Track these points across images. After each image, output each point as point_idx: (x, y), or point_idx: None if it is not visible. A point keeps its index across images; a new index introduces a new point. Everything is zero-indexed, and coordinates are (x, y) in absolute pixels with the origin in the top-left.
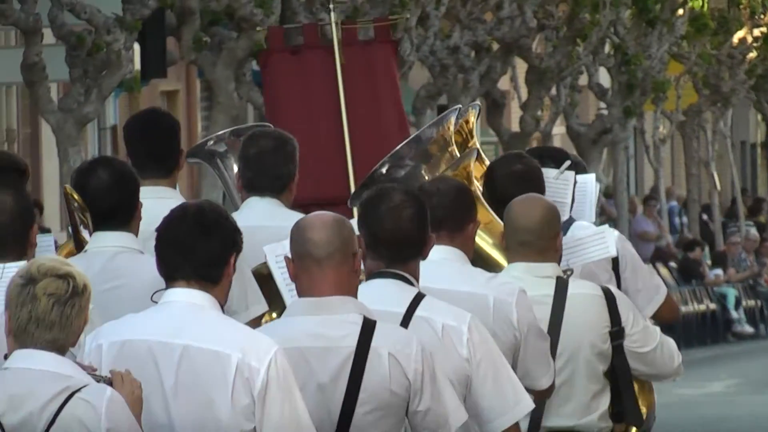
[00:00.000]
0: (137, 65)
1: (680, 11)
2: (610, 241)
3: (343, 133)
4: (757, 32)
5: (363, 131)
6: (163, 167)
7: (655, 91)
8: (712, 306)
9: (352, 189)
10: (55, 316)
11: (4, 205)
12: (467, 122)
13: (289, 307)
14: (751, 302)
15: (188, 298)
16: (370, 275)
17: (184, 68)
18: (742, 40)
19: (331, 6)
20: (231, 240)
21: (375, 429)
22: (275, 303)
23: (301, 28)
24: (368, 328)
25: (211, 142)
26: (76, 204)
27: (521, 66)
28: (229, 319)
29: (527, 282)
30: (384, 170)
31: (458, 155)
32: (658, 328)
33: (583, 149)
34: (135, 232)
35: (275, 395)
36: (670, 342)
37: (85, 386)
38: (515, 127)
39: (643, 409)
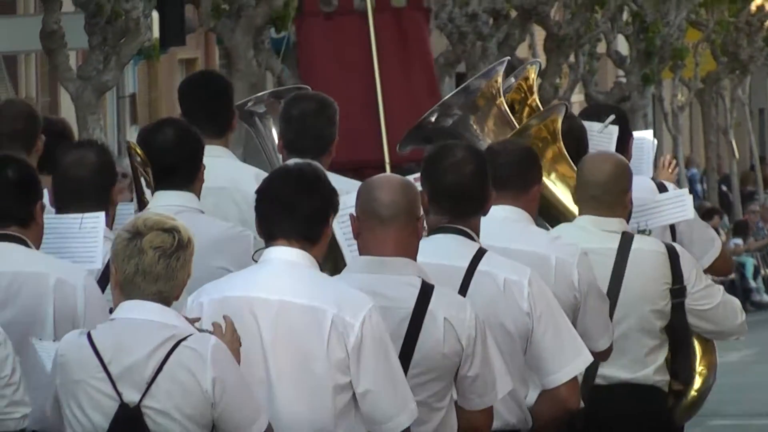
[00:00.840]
0: (156, 33)
1: None
2: (688, 204)
3: (375, 97)
4: None
5: (395, 97)
6: (216, 127)
7: (673, 58)
8: (731, 275)
9: (386, 152)
10: (160, 269)
11: (87, 159)
12: (526, 79)
13: (350, 263)
14: None
15: (287, 256)
16: (433, 230)
17: (202, 36)
18: (760, 7)
19: None
20: (330, 200)
21: (423, 392)
22: (331, 257)
23: None
24: (426, 291)
25: (251, 103)
26: (138, 159)
27: (540, 33)
28: (326, 276)
29: (593, 234)
30: (433, 119)
31: (506, 110)
32: (721, 287)
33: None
34: (197, 192)
35: (369, 350)
36: (734, 300)
37: (190, 335)
38: None
39: (704, 370)
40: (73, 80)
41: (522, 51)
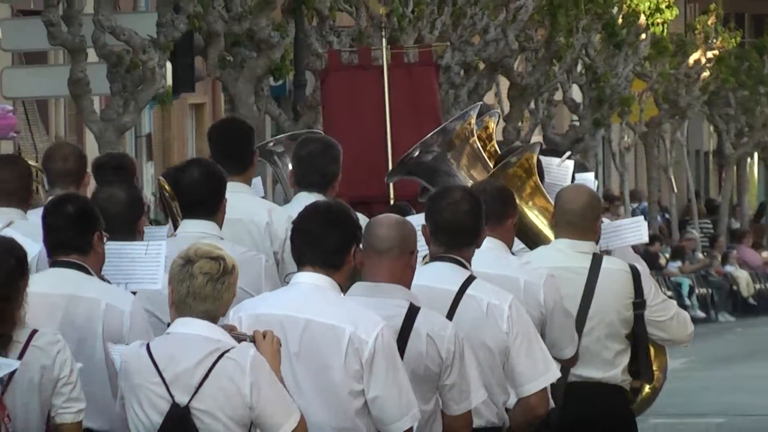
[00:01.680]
0: (169, 81)
1: (643, 36)
2: (644, 228)
3: (386, 143)
4: (710, 54)
5: (404, 143)
6: (239, 165)
7: (621, 105)
8: (669, 293)
9: (392, 192)
10: (208, 291)
11: (118, 197)
12: (486, 128)
13: (351, 288)
14: (703, 290)
15: (313, 281)
16: (432, 258)
17: (210, 83)
18: (697, 61)
19: (383, 33)
20: (352, 233)
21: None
22: (356, 279)
23: (356, 51)
24: (413, 312)
25: (271, 144)
26: (167, 194)
27: (504, 83)
28: (345, 298)
29: (569, 255)
30: (415, 155)
31: (479, 148)
32: (674, 302)
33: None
34: (219, 222)
35: (380, 363)
36: (684, 313)
37: (233, 348)
38: (499, 136)
39: (657, 371)
40: (96, 122)
41: (489, 98)
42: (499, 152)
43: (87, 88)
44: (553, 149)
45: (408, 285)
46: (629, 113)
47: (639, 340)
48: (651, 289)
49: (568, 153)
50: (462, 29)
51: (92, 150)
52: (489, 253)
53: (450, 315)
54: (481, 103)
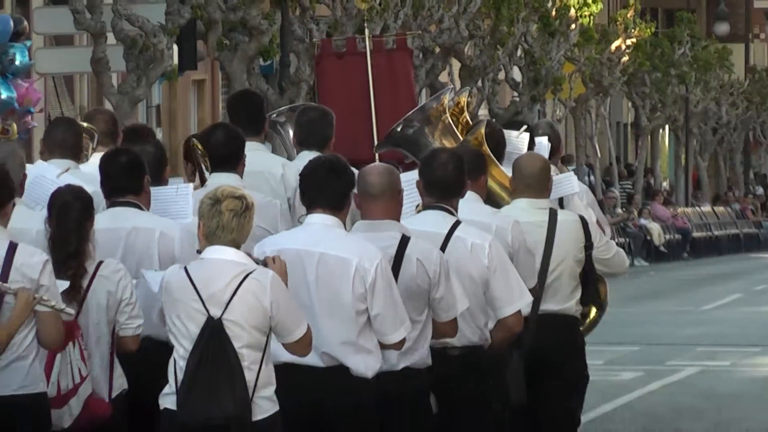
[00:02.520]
0: (175, 60)
1: (573, 26)
2: (574, 181)
3: (371, 116)
4: (629, 42)
5: (385, 116)
6: (255, 128)
7: (554, 84)
8: None
9: (377, 160)
10: (234, 224)
11: (148, 152)
12: (458, 103)
13: (354, 226)
14: (622, 240)
15: (323, 221)
16: (426, 207)
17: (209, 63)
18: (618, 48)
19: (366, 25)
20: (350, 180)
21: (406, 307)
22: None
23: (344, 40)
24: (404, 241)
25: (274, 115)
26: (199, 151)
27: (456, 65)
28: (350, 234)
29: (530, 212)
30: (399, 129)
31: (450, 123)
32: (614, 242)
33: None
34: (240, 174)
35: (380, 286)
36: (622, 252)
37: (255, 270)
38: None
39: (601, 299)
40: (114, 94)
41: (443, 77)
42: (470, 123)
43: (106, 66)
44: (512, 122)
45: (398, 219)
46: (561, 91)
47: (588, 275)
48: (596, 233)
49: (525, 127)
50: (421, 19)
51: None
52: (467, 203)
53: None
54: (452, 87)
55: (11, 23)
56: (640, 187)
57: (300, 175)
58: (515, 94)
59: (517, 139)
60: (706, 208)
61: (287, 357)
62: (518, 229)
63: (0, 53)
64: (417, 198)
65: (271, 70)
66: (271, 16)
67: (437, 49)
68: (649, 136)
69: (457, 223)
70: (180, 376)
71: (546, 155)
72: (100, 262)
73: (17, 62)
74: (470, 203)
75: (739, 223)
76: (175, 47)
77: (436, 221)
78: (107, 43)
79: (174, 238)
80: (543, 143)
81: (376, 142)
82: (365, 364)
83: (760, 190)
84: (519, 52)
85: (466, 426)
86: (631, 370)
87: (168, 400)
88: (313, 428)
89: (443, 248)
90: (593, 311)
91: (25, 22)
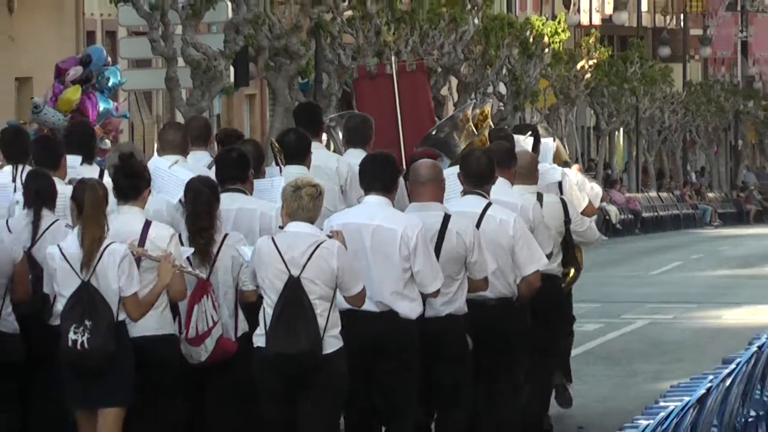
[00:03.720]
0: (231, 79)
1: (546, 50)
2: (558, 172)
3: (398, 122)
4: (591, 62)
5: (408, 123)
6: (316, 131)
7: (531, 96)
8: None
9: (403, 156)
10: (311, 205)
11: (248, 150)
12: (483, 112)
13: (408, 207)
14: None
15: (377, 201)
16: (465, 193)
17: (258, 81)
18: (582, 67)
19: (392, 56)
20: (397, 170)
21: (447, 271)
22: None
23: (376, 65)
24: (447, 218)
25: (328, 120)
26: (276, 149)
27: (454, 81)
28: (397, 210)
29: (523, 196)
30: (434, 132)
31: (473, 129)
32: (587, 218)
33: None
34: (308, 166)
35: (420, 249)
36: (594, 226)
37: (325, 240)
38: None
39: (577, 262)
40: (183, 106)
41: (444, 91)
42: (492, 127)
43: (177, 83)
44: (520, 126)
45: (441, 201)
46: (537, 101)
47: (568, 243)
48: (573, 211)
49: (530, 132)
50: (426, 45)
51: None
52: (500, 187)
53: (477, 226)
54: (474, 101)
55: (104, 52)
56: (600, 178)
57: (360, 165)
58: (501, 104)
59: (525, 141)
60: (653, 193)
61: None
62: (538, 208)
63: (98, 75)
64: (459, 187)
65: (308, 86)
66: (308, 44)
67: (439, 69)
68: (607, 137)
69: (488, 204)
70: (268, 321)
71: (551, 153)
72: (226, 234)
73: (110, 83)
74: (502, 187)
75: (679, 205)
76: (232, 68)
77: (473, 203)
78: (178, 65)
79: (271, 217)
80: (549, 144)
81: (402, 143)
82: (410, 309)
83: (694, 178)
84: (504, 71)
85: (494, 361)
86: (593, 323)
87: (259, 339)
88: (370, 358)
89: (478, 223)
90: (572, 271)
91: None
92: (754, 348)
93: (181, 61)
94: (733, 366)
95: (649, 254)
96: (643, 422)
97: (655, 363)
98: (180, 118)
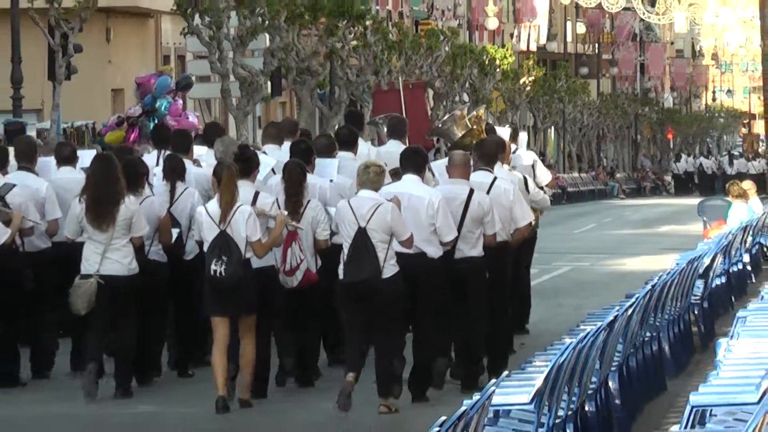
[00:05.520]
0: (269, 90)
1: (498, 70)
2: (530, 157)
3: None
4: (530, 79)
5: (411, 126)
6: (358, 128)
7: (487, 103)
8: None
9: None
10: (376, 179)
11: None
12: (478, 114)
13: (441, 182)
14: None
15: (411, 178)
16: (476, 169)
17: (288, 92)
18: (524, 82)
19: (400, 77)
20: (426, 158)
21: (471, 225)
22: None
23: (388, 83)
24: (471, 192)
25: (375, 119)
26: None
27: (431, 92)
28: (425, 185)
29: (510, 173)
30: (439, 125)
31: (467, 124)
32: (541, 191)
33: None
34: (355, 152)
35: (440, 212)
36: (546, 197)
37: (383, 203)
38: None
39: (535, 220)
40: (233, 111)
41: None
42: (484, 127)
43: (229, 93)
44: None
45: (468, 179)
46: (491, 107)
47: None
48: (531, 185)
49: (507, 125)
50: (410, 66)
51: (232, 125)
52: (499, 170)
53: (487, 193)
54: (468, 104)
55: (170, 81)
56: None
57: (400, 155)
58: (466, 108)
59: (503, 133)
60: (575, 174)
61: (399, 248)
62: (523, 182)
63: (155, 99)
64: (446, 174)
65: (324, 96)
66: (324, 65)
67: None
68: (542, 133)
69: (495, 178)
70: (345, 258)
71: (525, 143)
72: (309, 200)
73: (162, 108)
74: (498, 169)
75: (594, 183)
76: (269, 83)
77: (484, 176)
78: (229, 80)
79: (325, 189)
80: (523, 137)
81: (407, 141)
82: (434, 251)
83: (605, 162)
84: (466, 85)
85: (497, 286)
86: (532, 268)
87: (341, 271)
88: (411, 281)
89: (489, 191)
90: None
91: (193, 78)
92: (648, 287)
93: (232, 77)
94: (633, 300)
95: (572, 218)
96: (568, 340)
97: (576, 298)
98: (232, 121)
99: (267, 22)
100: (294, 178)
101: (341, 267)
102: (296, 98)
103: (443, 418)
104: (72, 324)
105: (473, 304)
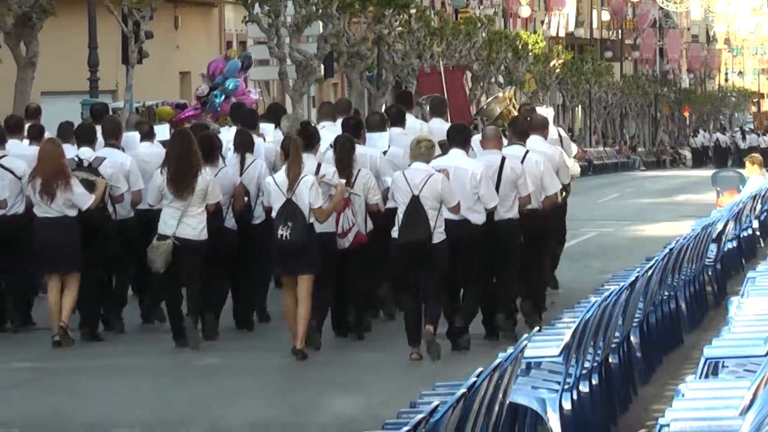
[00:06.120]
0: (322, 72)
1: (530, 54)
2: (556, 131)
3: (446, 104)
4: (560, 62)
5: (453, 103)
6: (408, 106)
7: (520, 84)
8: None
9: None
10: (426, 153)
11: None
12: (510, 97)
13: (477, 154)
14: None
15: (457, 152)
16: (510, 143)
17: (340, 73)
18: (554, 65)
19: (441, 60)
20: (470, 132)
21: (506, 188)
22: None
23: (431, 66)
24: (503, 160)
25: (419, 100)
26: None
27: (469, 74)
28: (469, 158)
29: (552, 147)
30: (485, 106)
31: (508, 105)
32: (574, 161)
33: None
34: (403, 127)
35: (483, 182)
36: (578, 166)
37: (434, 173)
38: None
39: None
40: (290, 91)
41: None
42: (517, 106)
43: (286, 75)
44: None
45: (500, 149)
46: (524, 88)
47: None
48: (565, 157)
49: (545, 107)
50: (450, 51)
51: (288, 106)
52: (536, 142)
53: (521, 163)
54: (513, 86)
55: (239, 64)
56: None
57: (447, 131)
58: (499, 89)
59: (545, 111)
60: (600, 148)
61: (447, 215)
62: (559, 153)
63: (225, 79)
64: (480, 148)
65: (372, 78)
66: (372, 49)
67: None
68: (571, 112)
69: (528, 151)
70: (399, 222)
71: (551, 119)
72: (360, 170)
73: (231, 86)
74: (538, 141)
75: (617, 156)
76: (322, 66)
77: (518, 151)
78: (286, 64)
79: (376, 158)
80: (551, 111)
81: (449, 115)
82: (477, 217)
83: (627, 138)
84: (502, 68)
85: (531, 250)
86: None
87: (395, 233)
88: (454, 245)
89: (522, 162)
90: (563, 193)
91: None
92: (666, 250)
93: (288, 61)
94: (652, 262)
95: (598, 188)
96: (593, 299)
97: (601, 260)
98: (289, 101)
99: (320, 10)
100: (344, 150)
101: (396, 229)
102: (347, 80)
103: (480, 369)
104: (141, 283)
105: (507, 261)
